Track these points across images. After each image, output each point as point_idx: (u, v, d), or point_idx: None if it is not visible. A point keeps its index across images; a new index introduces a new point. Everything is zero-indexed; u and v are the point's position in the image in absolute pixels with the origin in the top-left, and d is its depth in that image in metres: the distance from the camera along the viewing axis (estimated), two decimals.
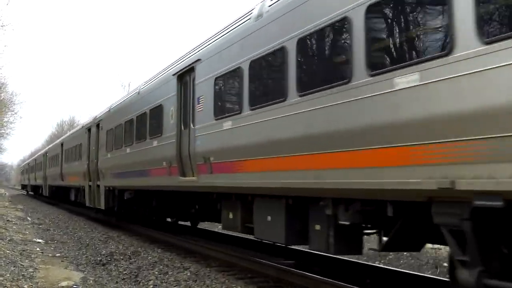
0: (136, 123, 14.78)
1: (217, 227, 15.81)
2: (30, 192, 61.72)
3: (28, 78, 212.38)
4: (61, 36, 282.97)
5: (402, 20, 5.50)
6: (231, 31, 9.32)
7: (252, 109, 8.12)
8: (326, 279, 8.02)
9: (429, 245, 11.32)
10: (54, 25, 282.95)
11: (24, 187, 73.79)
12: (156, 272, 9.75)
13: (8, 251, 11.84)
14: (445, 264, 10.23)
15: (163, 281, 9.00)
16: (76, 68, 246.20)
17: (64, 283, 8.98)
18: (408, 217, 6.05)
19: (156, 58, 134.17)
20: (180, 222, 16.89)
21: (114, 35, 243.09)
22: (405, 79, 5.14)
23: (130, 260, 11.29)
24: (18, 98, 57.65)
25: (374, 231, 7.22)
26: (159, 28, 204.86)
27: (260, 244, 13.06)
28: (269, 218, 8.23)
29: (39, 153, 52.30)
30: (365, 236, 7.50)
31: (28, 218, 23.98)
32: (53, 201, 38.40)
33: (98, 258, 11.83)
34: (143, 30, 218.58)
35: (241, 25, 8.93)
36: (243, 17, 9.04)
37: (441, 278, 8.47)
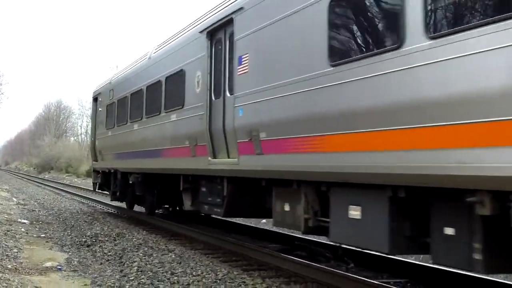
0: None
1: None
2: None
3: (14, 60, 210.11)
4: (48, 17, 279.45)
5: None
6: None
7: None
8: (310, 263, 8.09)
9: None
10: (40, 7, 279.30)
11: (102, 181, 18.08)
12: (141, 254, 9.77)
13: None
14: None
15: (147, 262, 9.02)
16: (64, 50, 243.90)
17: (48, 264, 8.98)
18: None
19: (144, 41, 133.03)
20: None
21: (102, 17, 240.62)
22: None
23: (115, 242, 11.29)
24: (4, 78, 57.20)
25: None
26: (148, 10, 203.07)
27: (244, 228, 13.13)
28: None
29: None
30: None
31: (14, 198, 23.87)
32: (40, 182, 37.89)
33: (83, 239, 11.82)
34: (131, 12, 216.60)
35: None
36: None
37: None
